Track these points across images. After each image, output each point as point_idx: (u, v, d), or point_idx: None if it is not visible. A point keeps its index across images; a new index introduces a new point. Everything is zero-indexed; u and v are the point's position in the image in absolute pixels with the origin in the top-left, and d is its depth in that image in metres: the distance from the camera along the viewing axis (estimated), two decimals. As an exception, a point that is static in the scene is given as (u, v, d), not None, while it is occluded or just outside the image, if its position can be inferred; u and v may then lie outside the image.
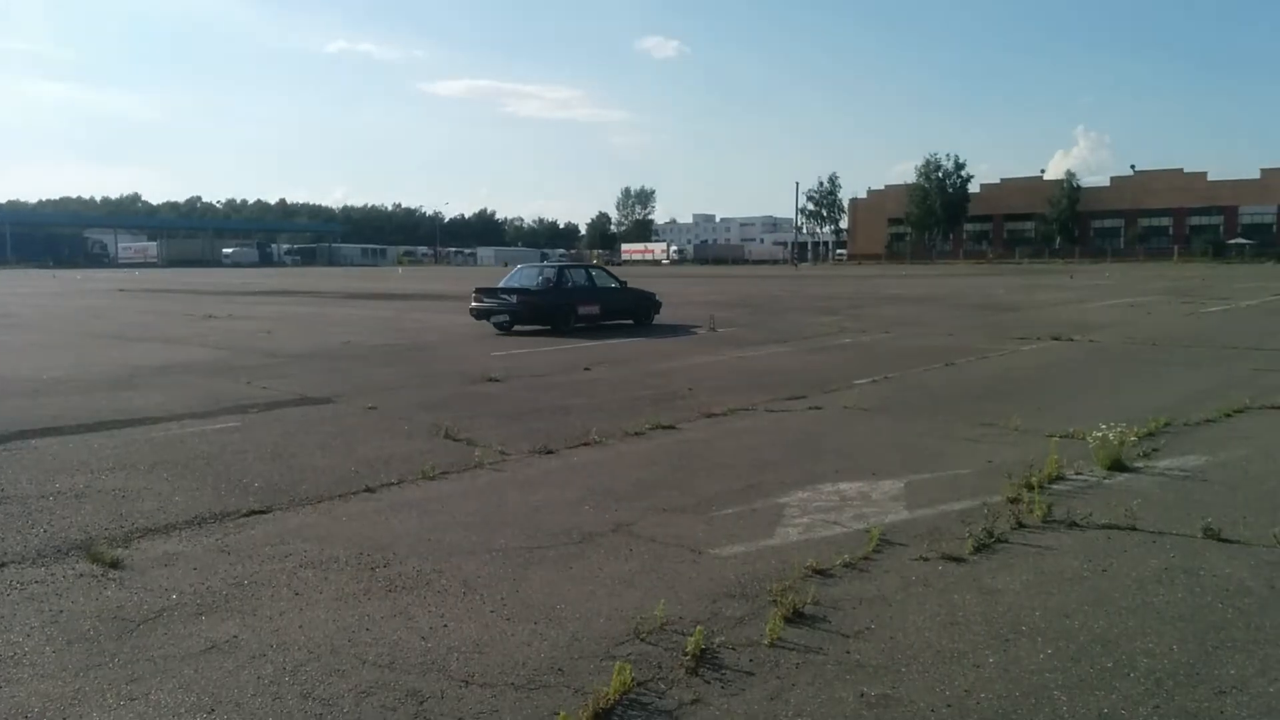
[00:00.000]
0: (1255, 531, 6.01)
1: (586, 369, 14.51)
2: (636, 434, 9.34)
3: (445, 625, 4.68)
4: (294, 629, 4.65)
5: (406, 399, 11.70)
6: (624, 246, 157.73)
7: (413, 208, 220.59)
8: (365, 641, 4.49)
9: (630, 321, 23.51)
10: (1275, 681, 4.00)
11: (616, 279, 24.77)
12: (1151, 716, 3.72)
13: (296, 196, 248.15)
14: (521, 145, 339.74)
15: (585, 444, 8.89)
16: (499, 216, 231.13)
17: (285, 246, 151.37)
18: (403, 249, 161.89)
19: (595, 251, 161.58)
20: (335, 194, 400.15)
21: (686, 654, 4.23)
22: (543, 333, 21.15)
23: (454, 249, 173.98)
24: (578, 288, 22.94)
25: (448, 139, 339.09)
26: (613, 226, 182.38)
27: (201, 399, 11.67)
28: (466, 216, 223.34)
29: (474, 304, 22.27)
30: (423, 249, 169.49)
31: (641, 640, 4.45)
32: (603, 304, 23.17)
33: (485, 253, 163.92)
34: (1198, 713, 3.75)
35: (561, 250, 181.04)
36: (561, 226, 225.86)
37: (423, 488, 7.36)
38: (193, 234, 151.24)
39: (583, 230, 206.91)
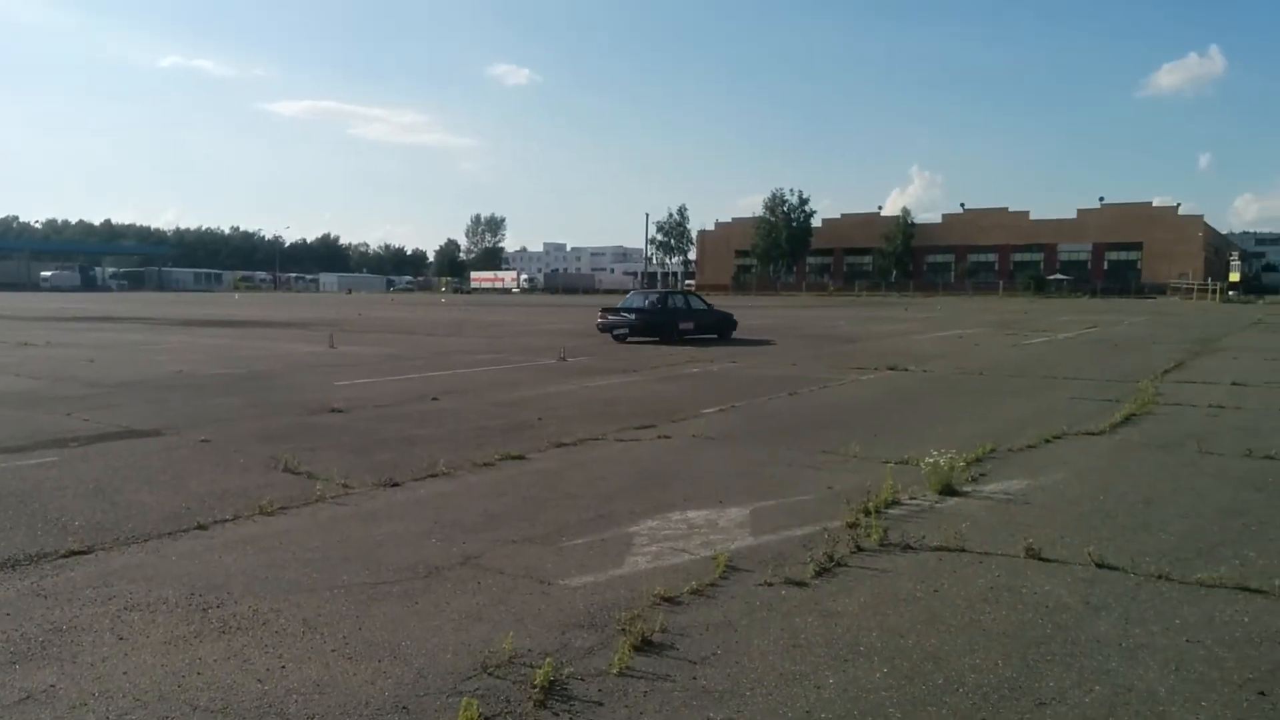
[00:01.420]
0: (1072, 551, 6.41)
1: (434, 399, 14.28)
2: (485, 465, 9.24)
3: (283, 666, 4.50)
4: (118, 675, 4.38)
5: (243, 430, 11.23)
6: (473, 274, 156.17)
7: (251, 231, 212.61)
8: (196, 686, 4.28)
9: (715, 336, 28.98)
10: (1090, 692, 4.27)
11: (705, 302, 31.14)
12: (979, 729, 3.92)
13: (123, 217, 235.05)
14: (367, 169, 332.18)
15: (432, 475, 8.74)
16: (343, 242, 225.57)
17: (111, 270, 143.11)
18: (240, 274, 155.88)
19: (444, 279, 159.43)
20: (166, 215, 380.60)
21: (535, 687, 4.20)
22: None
23: (295, 275, 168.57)
24: (678, 309, 28.60)
25: (288, 161, 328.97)
26: (462, 254, 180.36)
27: (14, 432, 10.91)
28: (309, 241, 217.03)
29: (600, 319, 28.75)
30: (261, 274, 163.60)
31: (489, 674, 4.39)
32: (696, 321, 28.86)
33: (328, 279, 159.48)
34: (1020, 724, 3.96)
35: (408, 277, 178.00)
36: (409, 253, 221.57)
37: (259, 523, 7.07)
38: (6, 255, 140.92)
39: (431, 257, 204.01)
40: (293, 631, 4.95)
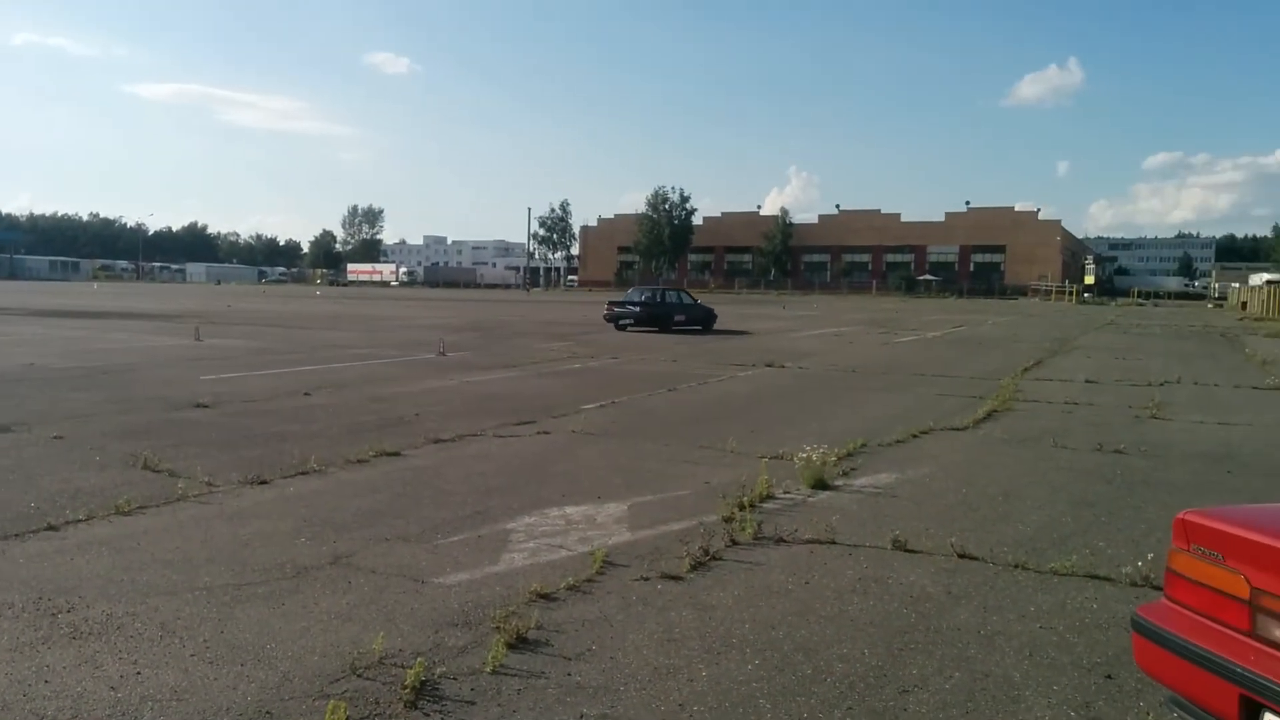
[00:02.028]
0: (936, 542, 6.64)
1: (306, 394, 13.88)
2: (359, 461, 9.03)
3: (139, 673, 4.30)
4: (-46, 688, 4.11)
5: (100, 427, 10.69)
6: (350, 266, 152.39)
7: (112, 218, 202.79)
8: (43, 695, 4.05)
9: (700, 328, 32.81)
10: (950, 679, 4.43)
11: (692, 298, 35.36)
12: (845, 718, 4.02)
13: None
14: (238, 157, 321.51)
15: (303, 473, 8.48)
16: (212, 231, 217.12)
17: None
18: (99, 263, 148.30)
19: (319, 271, 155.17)
20: (19, 200, 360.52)
21: (406, 687, 4.12)
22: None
23: (160, 264, 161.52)
24: (672, 304, 33.32)
25: (153, 146, 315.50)
26: (338, 246, 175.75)
27: None
28: (174, 230, 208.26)
29: (606, 311, 33.03)
30: (123, 263, 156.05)
31: (358, 676, 4.29)
32: (687, 315, 33.19)
33: (196, 269, 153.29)
34: (884, 712, 4.08)
35: (281, 269, 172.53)
36: (282, 244, 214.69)
37: (116, 524, 6.73)
38: None
39: (305, 248, 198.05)
40: (149, 636, 4.73)
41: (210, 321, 32.91)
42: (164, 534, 6.52)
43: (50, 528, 6.57)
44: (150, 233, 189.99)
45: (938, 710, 4.11)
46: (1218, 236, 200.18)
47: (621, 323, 32.27)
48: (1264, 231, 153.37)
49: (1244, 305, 69.02)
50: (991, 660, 4.65)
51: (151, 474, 8.26)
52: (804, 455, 8.61)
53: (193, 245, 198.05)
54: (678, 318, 32.61)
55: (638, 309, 32.31)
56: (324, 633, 4.82)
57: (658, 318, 32.10)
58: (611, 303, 33.78)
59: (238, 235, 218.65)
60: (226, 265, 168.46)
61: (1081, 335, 33.85)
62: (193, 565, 5.85)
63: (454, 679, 4.30)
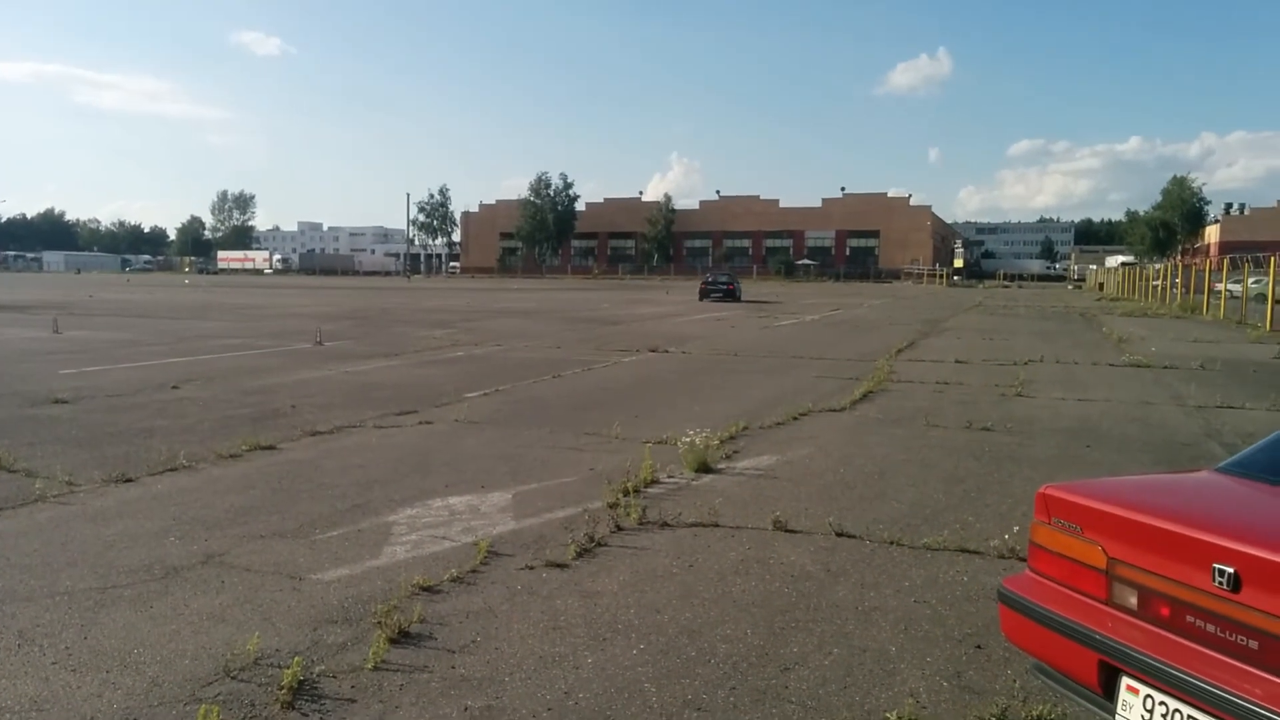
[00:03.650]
0: (815, 521, 6.80)
1: (175, 387, 13.32)
2: (232, 456, 8.72)
3: (-7, 686, 4.06)
4: None
5: (-53, 426, 10.05)
6: (220, 254, 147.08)
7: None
8: (-116, 716, 3.79)
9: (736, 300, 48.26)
10: (830, 655, 4.54)
11: (736, 280, 52.55)
12: (729, 698, 4.08)
13: None
14: (98, 139, 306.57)
15: (171, 469, 8.15)
16: (70, 218, 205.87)
17: None
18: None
19: (187, 259, 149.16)
20: None
21: (283, 687, 4.00)
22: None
23: (14, 253, 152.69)
24: (736, 284, 51.13)
25: (6, 127, 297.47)
26: (207, 233, 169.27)
27: None
28: (29, 216, 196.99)
29: (701, 289, 50.59)
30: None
31: (232, 678, 4.15)
32: (740, 291, 50.96)
33: (53, 258, 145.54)
34: (766, 690, 4.16)
35: (146, 257, 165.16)
36: (147, 231, 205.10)
37: (-34, 529, 6.35)
38: None
39: (172, 236, 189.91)
40: (6, 645, 4.48)
41: (70, 313, 31.29)
42: (20, 537, 6.18)
43: (-109, 535, 6.15)
44: (3, 220, 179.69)
45: (818, 686, 4.21)
46: (1076, 221, 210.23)
47: (713, 296, 48.78)
48: (1119, 216, 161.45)
49: (1101, 286, 72.79)
50: (869, 635, 4.79)
51: (6, 474, 7.82)
52: (687, 439, 8.70)
53: (50, 233, 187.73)
54: (739, 291, 50.55)
55: (726, 287, 49.76)
56: (195, 635, 4.64)
57: (734, 293, 49.48)
58: (704, 283, 51.14)
59: (99, 222, 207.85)
60: (87, 254, 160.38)
61: (951, 317, 35.10)
62: (52, 569, 5.56)
63: (334, 677, 4.20)
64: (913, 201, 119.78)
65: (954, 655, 4.57)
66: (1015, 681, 4.25)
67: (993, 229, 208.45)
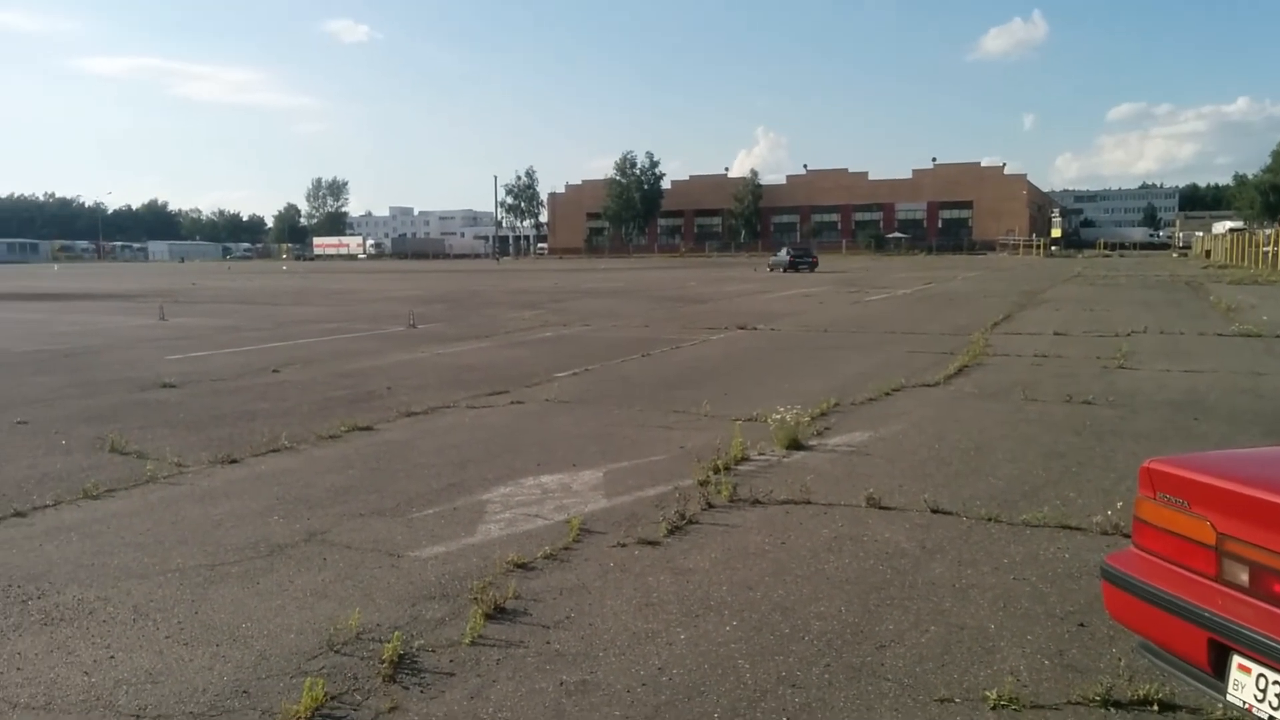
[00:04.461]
0: (909, 498, 6.69)
1: (275, 371, 13.74)
2: (331, 437, 8.96)
3: (112, 657, 4.26)
4: (-76, 680, 4.06)
5: (64, 410, 10.54)
6: (316, 240, 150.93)
7: (69, 198, 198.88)
8: (15, 683, 4.00)
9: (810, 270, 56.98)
10: (926, 632, 4.47)
11: (798, 254, 61.10)
12: (823, 674, 4.05)
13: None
14: (197, 131, 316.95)
15: (274, 450, 8.41)
16: (173, 208, 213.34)
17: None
18: (59, 244, 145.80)
19: (285, 246, 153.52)
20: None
21: (384, 661, 4.10)
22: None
23: (121, 243, 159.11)
24: (814, 255, 62.25)
25: (109, 122, 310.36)
26: (303, 219, 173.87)
27: None
28: (134, 208, 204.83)
29: (787, 259, 59.50)
30: (84, 244, 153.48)
31: (336, 652, 4.27)
32: (799, 263, 58.63)
33: (158, 247, 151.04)
34: (862, 667, 4.12)
35: (246, 245, 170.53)
36: (245, 219, 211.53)
37: (85, 508, 6.65)
38: None
39: (270, 223, 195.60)
40: (122, 620, 4.69)
41: (175, 300, 32.50)
42: (134, 517, 6.45)
43: (18, 514, 6.49)
44: (109, 211, 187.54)
45: (914, 663, 4.14)
46: (1181, 186, 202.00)
47: (799, 266, 57.45)
48: (1226, 180, 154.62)
49: (1208, 254, 69.83)
50: (967, 613, 4.69)
51: (119, 456, 8.16)
52: (778, 416, 8.62)
53: (154, 223, 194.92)
54: (815, 261, 60.22)
55: (808, 258, 59.60)
56: (300, 610, 4.79)
57: (811, 263, 58.49)
58: (790, 253, 60.72)
59: (200, 212, 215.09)
60: (189, 243, 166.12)
61: (1049, 288, 34.12)
62: (164, 547, 5.80)
63: (432, 651, 4.29)
64: (1007, 170, 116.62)
65: (1055, 633, 4.45)
66: (1120, 660, 4.12)
67: (1092, 197, 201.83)
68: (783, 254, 61.58)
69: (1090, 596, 4.79)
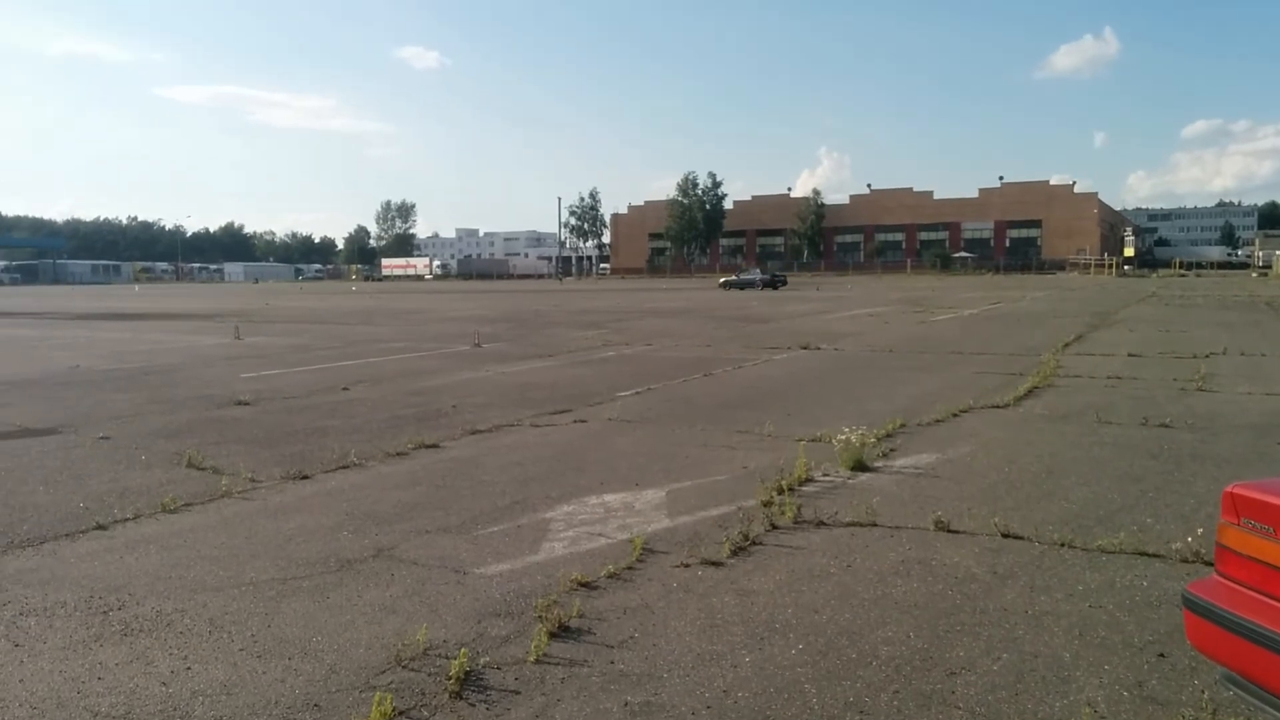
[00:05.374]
0: (979, 522, 6.56)
1: (345, 389, 13.99)
2: (398, 454, 9.08)
3: (189, 668, 4.35)
4: (13, 683, 4.20)
5: (144, 427, 10.84)
6: (384, 261, 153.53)
7: (150, 221, 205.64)
8: (97, 692, 4.11)
9: (776, 289, 63.25)
10: (999, 660, 4.37)
11: (776, 275, 69.88)
12: (892, 701, 3.98)
13: (13, 209, 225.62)
14: (271, 156, 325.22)
15: (343, 467, 8.55)
16: (248, 230, 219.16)
17: (2, 264, 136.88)
18: (140, 265, 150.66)
19: (354, 267, 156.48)
20: (61, 206, 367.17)
21: (450, 678, 4.14)
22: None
23: (198, 265, 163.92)
24: (776, 276, 69.82)
25: (190, 148, 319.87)
26: (372, 241, 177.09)
27: (-104, 434, 10.35)
28: (212, 230, 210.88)
29: (725, 281, 70.64)
30: (163, 265, 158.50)
31: (404, 667, 4.31)
32: (770, 283, 66.10)
33: (233, 269, 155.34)
34: (932, 694, 4.04)
35: (317, 266, 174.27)
36: (317, 241, 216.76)
37: (163, 521, 6.83)
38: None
39: (340, 245, 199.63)
40: (198, 631, 4.79)
41: (249, 320, 33.28)
42: (210, 531, 6.60)
43: (99, 527, 6.68)
44: (188, 234, 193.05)
45: (986, 692, 4.06)
46: (1260, 204, 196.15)
47: (747, 289, 63.15)
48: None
49: (1289, 273, 67.65)
50: (1040, 641, 4.58)
51: (196, 472, 8.37)
52: (842, 437, 8.53)
53: (230, 245, 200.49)
54: (777, 281, 67.18)
55: (765, 278, 66.81)
56: (368, 625, 4.85)
57: (773, 286, 64.42)
58: (727, 282, 68.69)
59: (273, 234, 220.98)
60: (263, 264, 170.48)
61: (1123, 309, 33.35)
62: (239, 561, 5.92)
63: (498, 669, 4.31)
64: (1077, 189, 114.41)
65: (1134, 663, 4.32)
66: (1203, 692, 3.99)
67: (1166, 215, 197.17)
68: (753, 274, 71.72)
69: (1170, 626, 4.65)
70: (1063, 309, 33.98)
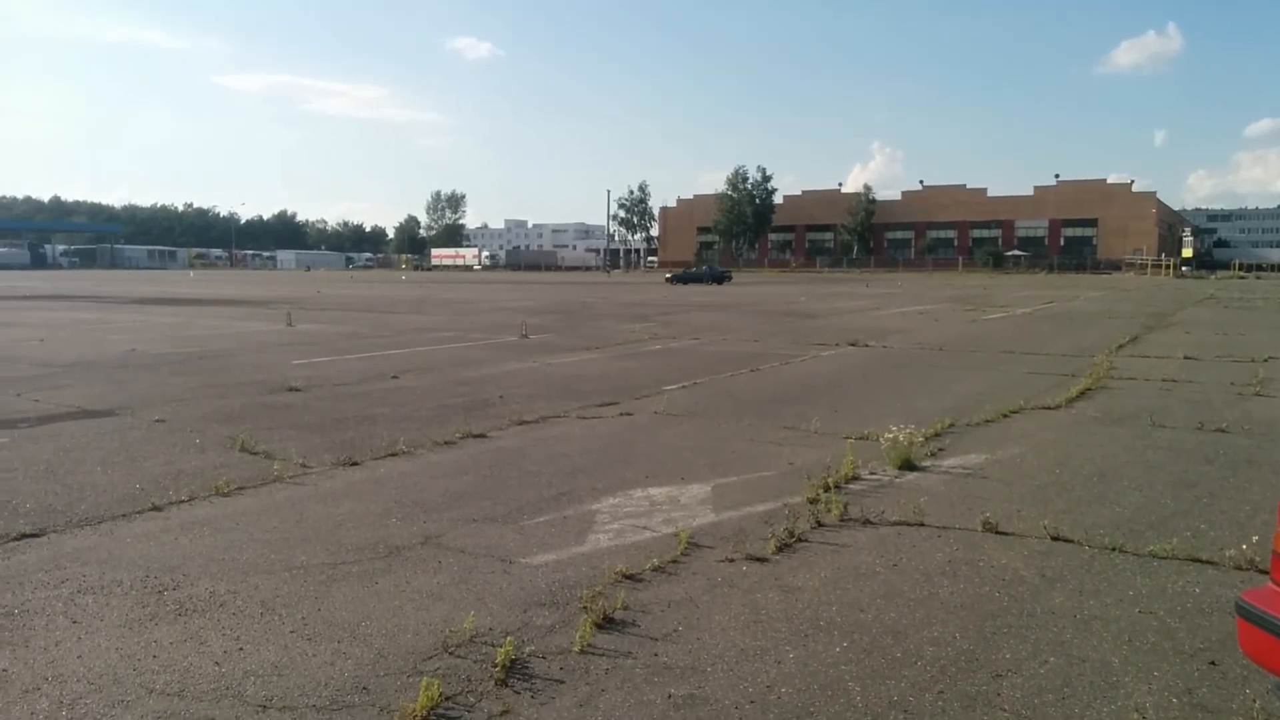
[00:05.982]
0: (1028, 524, 6.49)
1: (394, 377, 14.16)
2: (446, 443, 9.18)
3: (241, 648, 4.45)
4: (71, 659, 4.32)
5: (198, 410, 11.07)
6: (433, 251, 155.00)
7: (206, 208, 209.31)
8: (152, 669, 4.22)
9: (719, 284, 68.19)
10: (1045, 663, 4.33)
11: (720, 270, 75.81)
12: (936, 702, 3.96)
13: (73, 194, 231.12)
14: (325, 144, 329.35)
15: (392, 454, 8.67)
16: (300, 218, 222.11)
17: (62, 248, 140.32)
18: (195, 251, 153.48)
19: (404, 256, 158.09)
20: (118, 192, 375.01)
21: (496, 665, 4.19)
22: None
23: (251, 251, 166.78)
24: (714, 270, 74.96)
25: (244, 136, 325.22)
26: (422, 231, 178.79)
27: (-37, 413, 10.67)
28: (265, 218, 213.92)
29: (671, 275, 74.01)
30: (217, 252, 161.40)
31: (450, 654, 4.37)
32: (716, 278, 71.35)
33: (285, 256, 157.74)
34: (977, 696, 4.01)
35: (368, 254, 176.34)
36: (368, 229, 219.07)
37: (216, 504, 6.98)
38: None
39: (390, 234, 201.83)
40: (250, 613, 4.90)
41: (301, 307, 33.78)
42: (262, 514, 6.73)
43: (155, 508, 6.83)
44: (242, 221, 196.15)
45: (1033, 695, 4.02)
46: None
47: (689, 282, 66.24)
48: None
49: (1355, 276, 65.87)
50: (1088, 645, 4.53)
51: (249, 456, 8.53)
52: (890, 435, 8.48)
53: (283, 233, 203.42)
54: (721, 275, 72.35)
55: (713, 273, 71.76)
56: (416, 611, 4.92)
57: (714, 280, 68.42)
58: (674, 274, 71.25)
59: (325, 222, 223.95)
60: (315, 252, 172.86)
61: (1179, 310, 32.70)
62: (290, 545, 6.03)
63: (543, 658, 4.36)
64: (1135, 187, 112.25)
65: (1184, 670, 4.26)
66: (1255, 702, 3.93)
67: (1226, 215, 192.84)
68: (702, 269, 77.44)
69: (1222, 633, 4.58)
70: (1117, 310, 33.40)
